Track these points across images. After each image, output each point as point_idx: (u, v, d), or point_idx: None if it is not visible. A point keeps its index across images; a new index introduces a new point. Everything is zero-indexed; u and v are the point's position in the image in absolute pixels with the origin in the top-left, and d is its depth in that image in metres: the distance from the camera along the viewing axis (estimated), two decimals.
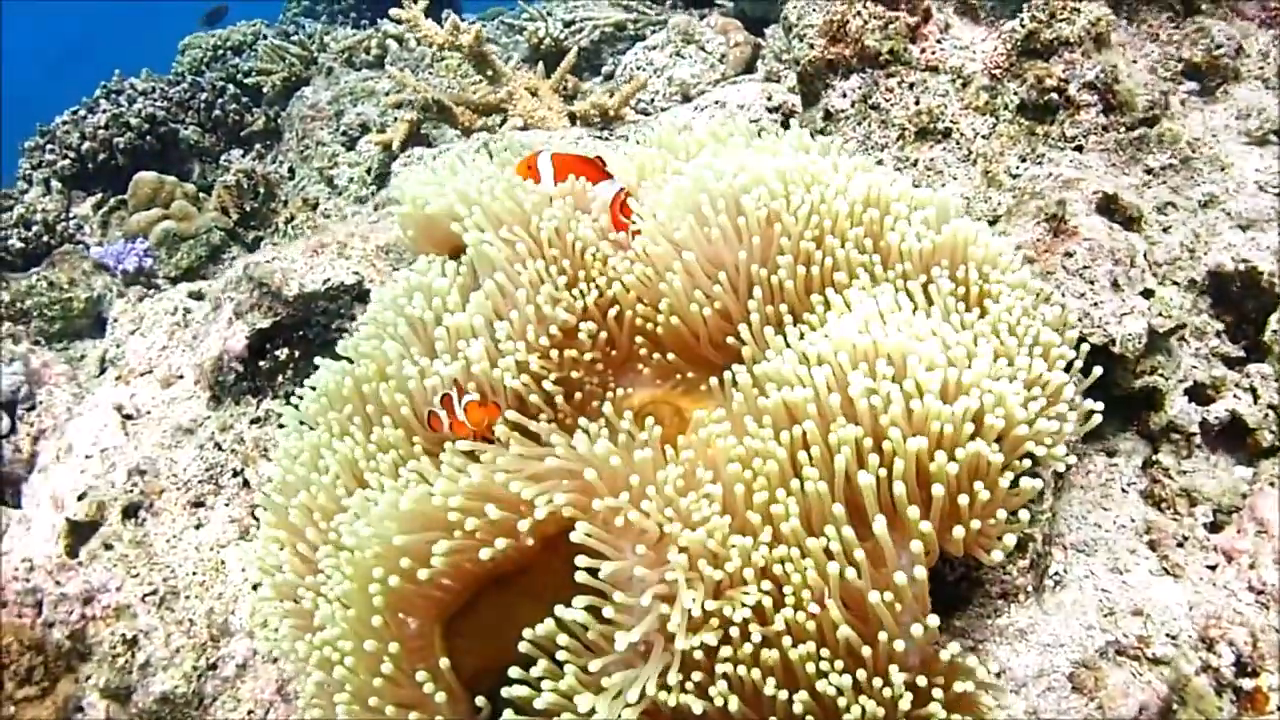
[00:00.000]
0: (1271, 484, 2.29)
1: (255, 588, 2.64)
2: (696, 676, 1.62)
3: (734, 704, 1.60)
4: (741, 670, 1.61)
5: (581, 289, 2.04)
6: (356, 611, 1.76)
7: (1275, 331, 2.44)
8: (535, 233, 2.05)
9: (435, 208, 2.15)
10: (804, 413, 1.69)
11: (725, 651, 1.62)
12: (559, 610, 1.63)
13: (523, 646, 1.68)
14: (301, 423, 2.15)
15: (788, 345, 1.82)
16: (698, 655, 1.62)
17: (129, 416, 3.17)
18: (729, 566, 1.64)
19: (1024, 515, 1.69)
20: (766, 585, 1.65)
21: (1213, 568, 2.19)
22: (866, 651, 1.57)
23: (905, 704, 1.56)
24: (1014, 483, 1.70)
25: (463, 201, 2.08)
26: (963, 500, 1.61)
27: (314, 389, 2.13)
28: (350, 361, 2.12)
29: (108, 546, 2.85)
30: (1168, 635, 2.01)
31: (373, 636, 1.73)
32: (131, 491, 2.90)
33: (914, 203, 1.98)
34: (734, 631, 1.61)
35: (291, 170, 6.09)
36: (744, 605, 1.63)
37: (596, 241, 2.08)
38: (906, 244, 1.90)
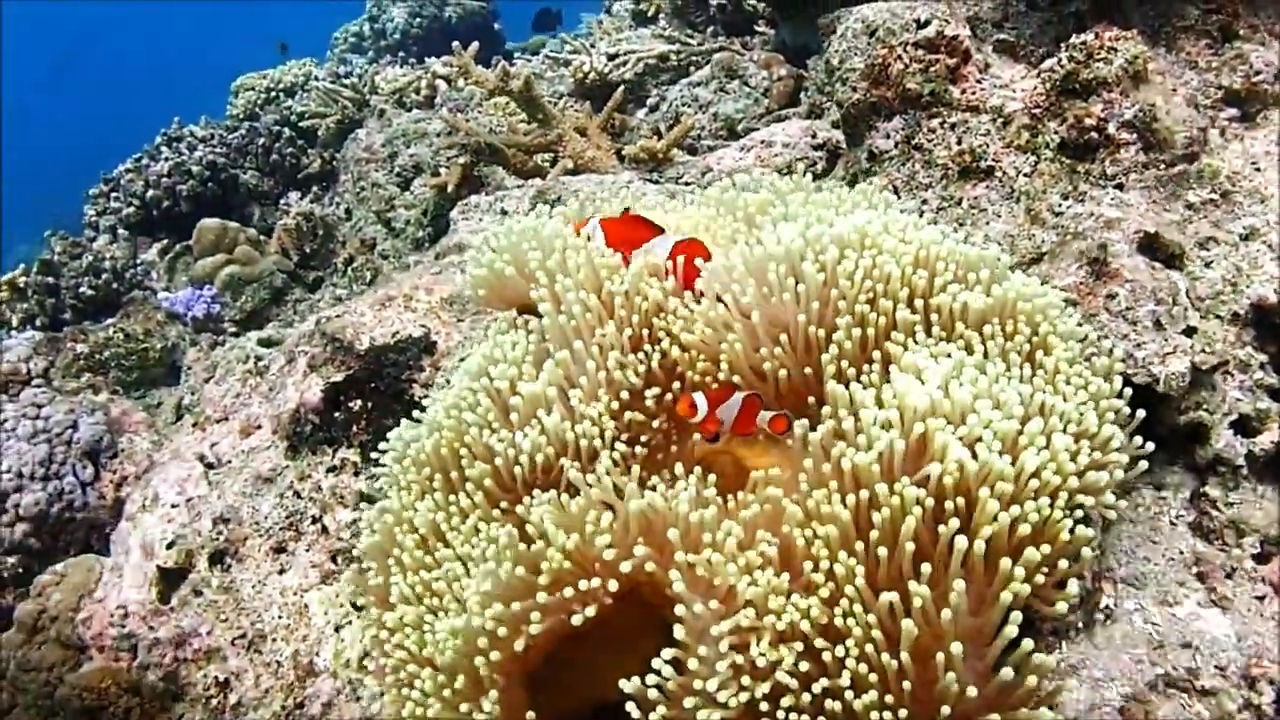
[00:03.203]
0: None
1: (337, 630, 2.79)
2: None
3: None
4: (805, 719, 1.71)
5: (646, 350, 2.16)
6: (465, 682, 1.89)
7: None
8: (608, 299, 2.17)
9: (511, 271, 2.29)
10: (869, 474, 1.79)
11: (787, 700, 1.72)
12: (655, 663, 1.76)
13: (629, 705, 1.80)
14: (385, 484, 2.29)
15: (852, 404, 1.92)
16: (764, 705, 1.72)
17: (210, 466, 3.34)
18: (786, 618, 1.75)
19: (1086, 553, 1.78)
20: (820, 643, 1.75)
21: (1261, 599, 2.25)
22: (945, 709, 1.65)
23: None
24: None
25: (542, 270, 2.21)
26: (1033, 554, 1.70)
27: (396, 453, 2.28)
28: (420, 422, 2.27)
29: (197, 593, 3.01)
30: (1216, 667, 2.07)
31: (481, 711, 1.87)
32: (217, 539, 3.06)
33: (965, 262, 2.07)
34: (794, 682, 1.72)
35: (348, 211, 6.28)
36: (796, 652, 1.73)
37: (664, 303, 2.20)
38: (958, 303, 2.00)
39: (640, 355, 2.16)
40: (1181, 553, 2.34)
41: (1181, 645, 2.13)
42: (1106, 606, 2.21)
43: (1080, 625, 2.13)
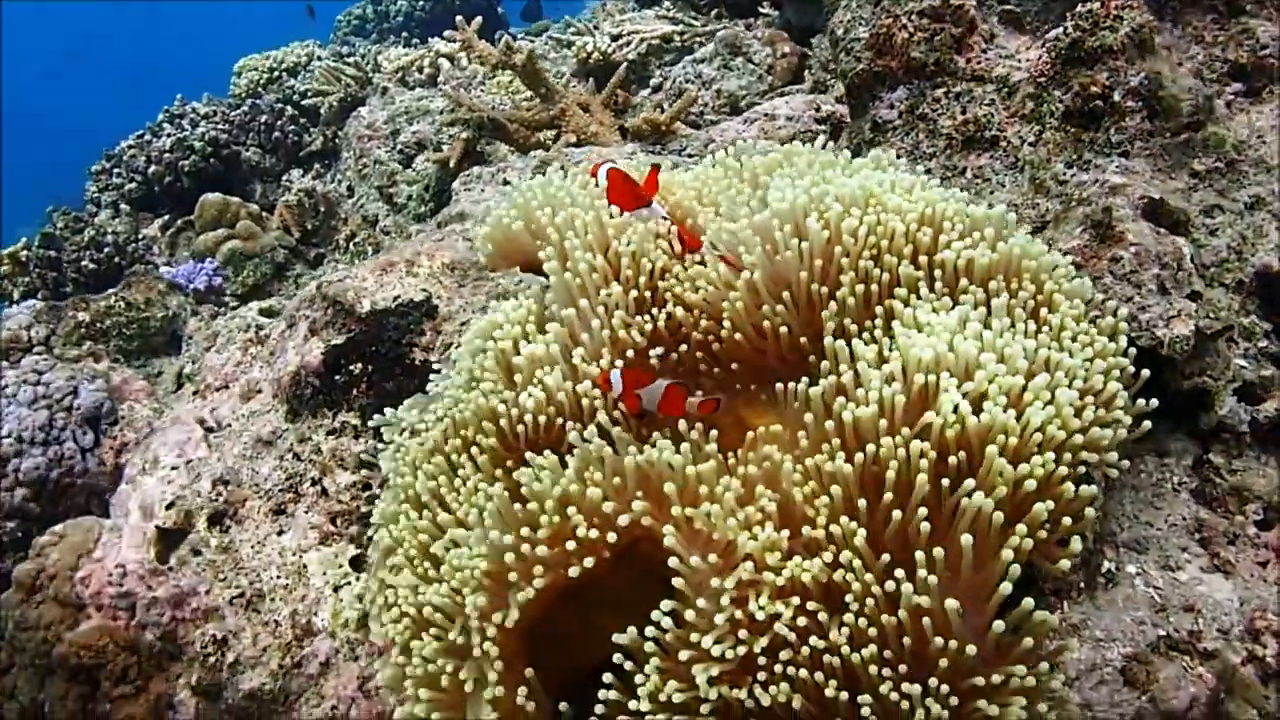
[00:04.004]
0: None
1: (336, 590, 2.78)
2: (761, 676, 1.72)
3: (797, 702, 1.70)
4: (804, 673, 1.70)
5: (652, 313, 2.15)
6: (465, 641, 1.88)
7: None
8: (614, 259, 2.16)
9: (519, 227, 2.28)
10: (873, 429, 1.78)
11: (785, 654, 1.71)
12: (655, 615, 1.76)
13: (616, 657, 1.81)
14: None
15: (853, 359, 1.91)
16: (762, 660, 1.72)
17: (210, 430, 3.33)
18: (785, 574, 1.74)
19: (1089, 512, 1.77)
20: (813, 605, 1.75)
21: (1263, 564, 2.24)
22: (944, 663, 1.64)
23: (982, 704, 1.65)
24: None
25: (551, 228, 2.20)
26: (1040, 510, 1.69)
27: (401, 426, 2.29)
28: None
29: (196, 552, 3.00)
30: (1219, 630, 2.07)
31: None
32: (216, 500, 3.06)
33: (970, 221, 2.06)
34: (792, 636, 1.71)
35: (350, 188, 6.27)
36: (794, 607, 1.73)
37: (670, 265, 2.19)
38: (963, 259, 1.99)
39: (646, 316, 2.15)
40: (1184, 518, 2.34)
41: (1184, 608, 2.12)
42: (1108, 570, 2.21)
43: (1081, 586, 2.13)
